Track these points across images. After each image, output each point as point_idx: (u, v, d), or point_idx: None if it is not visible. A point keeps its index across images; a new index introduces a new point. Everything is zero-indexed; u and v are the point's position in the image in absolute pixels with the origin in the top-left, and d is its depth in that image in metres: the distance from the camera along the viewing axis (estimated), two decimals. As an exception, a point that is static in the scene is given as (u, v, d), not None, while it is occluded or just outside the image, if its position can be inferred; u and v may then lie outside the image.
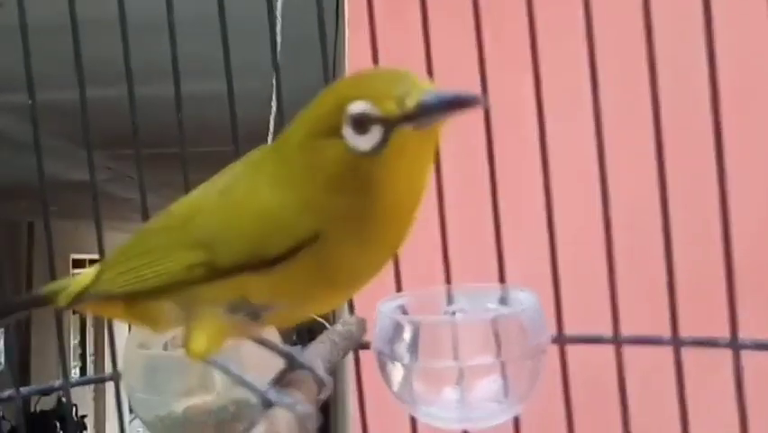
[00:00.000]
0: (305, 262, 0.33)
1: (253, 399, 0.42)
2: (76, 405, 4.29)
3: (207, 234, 0.35)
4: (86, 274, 0.40)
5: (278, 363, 0.42)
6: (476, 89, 0.53)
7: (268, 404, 0.35)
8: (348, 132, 0.31)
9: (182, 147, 0.54)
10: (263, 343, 0.41)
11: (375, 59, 0.55)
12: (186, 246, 0.35)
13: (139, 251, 0.37)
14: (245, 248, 0.34)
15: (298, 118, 0.34)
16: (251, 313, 0.35)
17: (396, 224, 0.34)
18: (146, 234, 0.39)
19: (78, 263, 6.24)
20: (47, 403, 4.11)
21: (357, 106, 0.31)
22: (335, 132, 0.32)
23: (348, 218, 0.33)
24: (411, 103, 0.31)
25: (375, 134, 0.31)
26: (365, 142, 0.31)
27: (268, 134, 0.71)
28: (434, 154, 0.35)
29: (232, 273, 0.34)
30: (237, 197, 0.35)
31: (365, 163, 0.31)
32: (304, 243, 0.33)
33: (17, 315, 0.44)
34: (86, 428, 4.75)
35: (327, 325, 0.49)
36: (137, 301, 0.37)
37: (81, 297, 0.39)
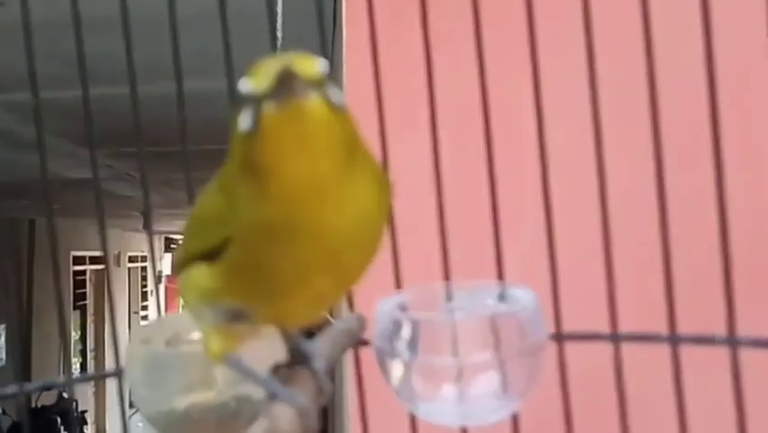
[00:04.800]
0: (234, 259, 0.33)
1: (255, 395, 0.42)
2: (76, 400, 4.29)
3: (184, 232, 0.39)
4: None
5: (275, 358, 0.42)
6: (475, 83, 0.53)
7: (273, 398, 0.36)
8: (238, 111, 0.30)
9: (183, 145, 0.54)
10: (284, 335, 0.41)
11: (375, 59, 0.55)
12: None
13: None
14: (195, 243, 0.36)
15: None
16: (233, 316, 0.36)
17: (301, 213, 0.31)
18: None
19: (78, 260, 6.25)
20: (47, 398, 4.11)
21: (242, 84, 0.30)
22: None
23: (253, 206, 0.31)
24: (276, 81, 0.29)
25: (247, 113, 0.30)
26: (243, 122, 0.30)
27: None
28: (319, 136, 0.30)
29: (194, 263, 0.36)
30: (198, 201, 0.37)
31: (249, 144, 0.30)
32: (225, 241, 0.32)
33: None
34: (86, 423, 4.75)
35: (330, 319, 0.49)
36: None
37: None
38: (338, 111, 0.30)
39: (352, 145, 0.31)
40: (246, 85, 0.30)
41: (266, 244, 0.31)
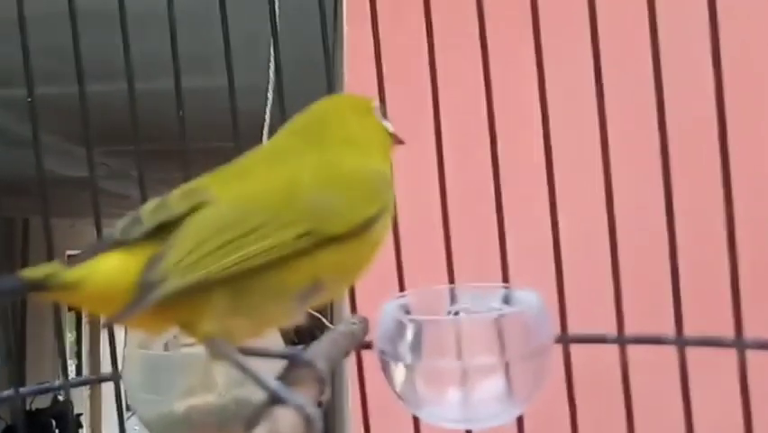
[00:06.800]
0: (373, 231, 0.39)
1: (255, 398, 0.42)
2: (72, 403, 4.27)
3: (315, 204, 0.38)
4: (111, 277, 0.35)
5: (281, 363, 0.41)
6: (479, 85, 0.52)
7: (278, 402, 0.35)
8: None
9: (183, 143, 0.53)
10: (259, 353, 0.41)
11: (377, 58, 0.55)
12: (293, 221, 0.37)
13: (235, 231, 0.36)
14: (348, 215, 0.38)
15: (323, 119, 0.42)
16: (306, 297, 0.37)
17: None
18: (225, 218, 0.37)
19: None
20: (41, 401, 4.09)
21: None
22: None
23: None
24: None
25: None
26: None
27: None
28: None
29: (317, 247, 0.37)
30: (336, 166, 0.40)
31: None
32: (384, 208, 0.39)
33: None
34: (81, 427, 4.73)
35: (329, 324, 0.48)
36: (189, 297, 0.35)
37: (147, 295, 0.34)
38: None
39: None
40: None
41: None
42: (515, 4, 0.53)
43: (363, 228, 0.38)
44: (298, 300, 0.37)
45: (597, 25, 0.49)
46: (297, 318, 0.39)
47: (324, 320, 0.45)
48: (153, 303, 0.33)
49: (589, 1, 0.49)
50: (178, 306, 0.35)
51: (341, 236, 0.37)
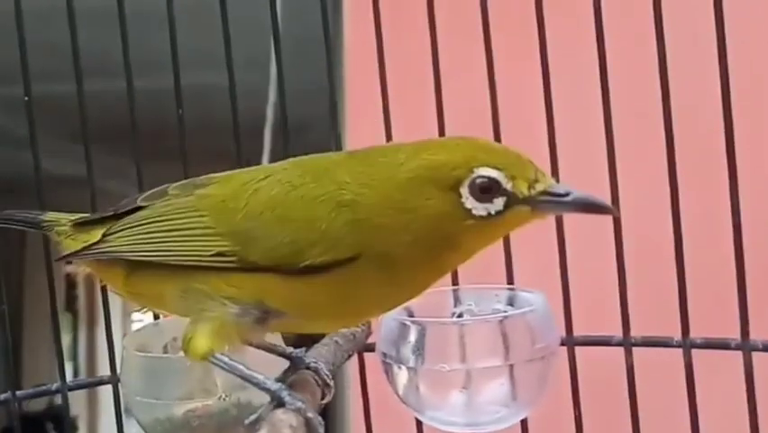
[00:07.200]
0: (334, 279, 0.34)
1: (256, 401, 0.41)
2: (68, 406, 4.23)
3: (245, 226, 0.36)
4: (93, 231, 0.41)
5: (283, 365, 0.41)
6: (483, 86, 0.52)
7: (279, 404, 0.35)
8: (467, 192, 0.34)
9: (182, 142, 0.53)
10: (265, 347, 0.41)
11: (380, 54, 0.54)
12: (219, 233, 0.36)
13: (166, 226, 0.38)
14: (283, 250, 0.34)
15: (410, 154, 0.35)
16: (260, 318, 0.36)
17: (436, 276, 0.37)
18: (174, 211, 0.38)
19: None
20: (37, 403, 4.06)
21: (488, 172, 0.34)
22: (452, 187, 0.34)
23: (406, 260, 0.34)
24: (540, 188, 0.34)
25: (497, 204, 0.34)
26: (483, 208, 0.34)
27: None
28: None
29: (256, 271, 0.35)
30: (290, 196, 0.35)
31: (467, 225, 0.34)
32: (341, 261, 0.34)
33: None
34: (77, 429, 4.71)
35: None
36: (142, 276, 0.38)
37: (81, 253, 0.40)
38: None
39: None
40: (498, 175, 0.34)
41: (385, 284, 0.35)
42: (519, 4, 0.53)
43: (301, 271, 0.34)
44: (246, 315, 0.35)
45: (602, 27, 0.49)
46: (251, 336, 0.38)
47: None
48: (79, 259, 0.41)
49: (595, 2, 0.49)
50: (136, 284, 0.39)
51: (273, 268, 0.35)
